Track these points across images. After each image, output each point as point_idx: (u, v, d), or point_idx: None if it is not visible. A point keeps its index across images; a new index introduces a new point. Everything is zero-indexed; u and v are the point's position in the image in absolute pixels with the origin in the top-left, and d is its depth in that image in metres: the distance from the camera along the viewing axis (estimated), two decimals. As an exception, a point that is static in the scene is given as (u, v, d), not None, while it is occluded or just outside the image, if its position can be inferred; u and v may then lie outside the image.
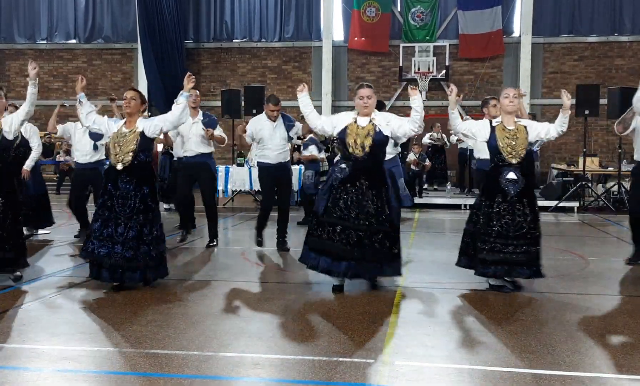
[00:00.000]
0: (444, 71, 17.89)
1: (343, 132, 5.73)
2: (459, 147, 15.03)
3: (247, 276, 6.48)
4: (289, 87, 18.69)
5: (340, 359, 3.93)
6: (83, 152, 8.24)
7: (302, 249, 5.84)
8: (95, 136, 7.90)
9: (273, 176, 7.76)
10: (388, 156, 7.84)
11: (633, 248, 7.21)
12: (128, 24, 19.22)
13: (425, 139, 15.65)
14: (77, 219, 8.58)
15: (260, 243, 7.89)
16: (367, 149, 5.61)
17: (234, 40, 19.16)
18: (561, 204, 12.99)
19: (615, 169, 13.95)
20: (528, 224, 5.56)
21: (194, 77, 5.90)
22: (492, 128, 5.73)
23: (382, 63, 18.65)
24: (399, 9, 18.48)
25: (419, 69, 17.84)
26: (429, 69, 17.82)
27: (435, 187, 15.88)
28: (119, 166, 5.65)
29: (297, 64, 18.96)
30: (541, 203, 13.26)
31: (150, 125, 5.81)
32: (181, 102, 5.81)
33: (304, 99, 5.98)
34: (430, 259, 7.49)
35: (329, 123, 5.93)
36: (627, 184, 13.35)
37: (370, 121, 5.71)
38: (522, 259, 5.54)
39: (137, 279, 5.64)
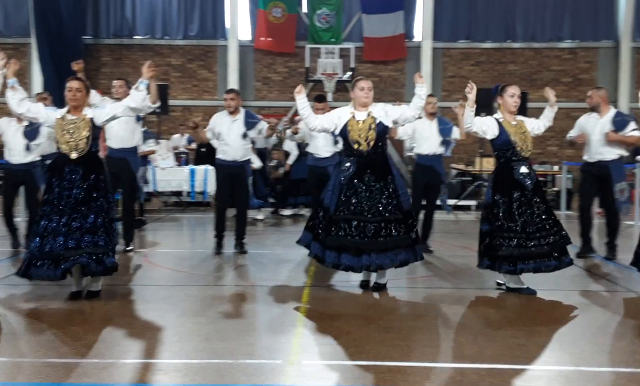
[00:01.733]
0: (349, 73, 18.16)
1: (345, 130, 5.72)
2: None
3: (148, 279, 6.30)
4: (194, 86, 18.37)
5: (247, 361, 3.89)
6: (15, 152, 7.56)
7: (312, 248, 5.76)
8: (30, 135, 7.41)
9: (229, 173, 7.57)
10: (327, 154, 7.91)
11: (581, 241, 7.60)
12: (21, 17, 18.20)
13: None
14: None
15: (218, 251, 7.65)
16: (371, 142, 5.64)
17: (135, 37, 18.57)
18: (460, 203, 13.53)
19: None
20: (546, 215, 5.63)
21: (154, 65, 5.72)
22: (500, 124, 5.78)
23: (289, 64, 18.69)
24: (304, 11, 18.59)
25: (325, 70, 18.02)
26: (334, 70, 18.03)
27: None
28: (74, 155, 5.37)
29: (203, 63, 18.66)
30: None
31: (101, 113, 5.57)
32: (141, 89, 5.56)
33: (302, 101, 5.83)
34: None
35: (328, 121, 5.85)
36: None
37: (369, 114, 5.70)
38: (548, 250, 5.59)
39: (85, 262, 5.19)
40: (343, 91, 18.41)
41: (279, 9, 18.16)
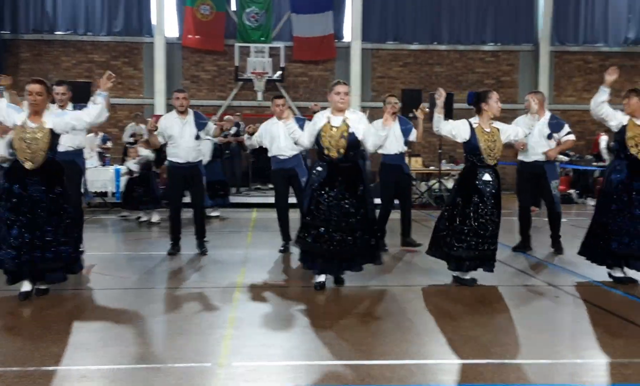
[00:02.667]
0: (279, 72, 18.11)
1: (318, 135, 5.71)
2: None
3: (70, 283, 6.05)
4: (119, 84, 17.83)
5: (176, 365, 3.80)
6: None
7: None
8: None
9: (182, 176, 7.41)
10: (291, 152, 7.77)
11: (520, 238, 7.91)
12: None
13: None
14: None
15: (173, 252, 7.50)
16: (341, 150, 5.63)
17: (56, 33, 17.86)
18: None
19: (436, 168, 15.03)
20: (495, 223, 5.86)
21: (114, 76, 5.55)
22: (472, 129, 5.90)
23: (218, 62, 18.46)
24: (233, 9, 18.41)
25: (255, 69, 17.89)
26: (264, 69, 17.93)
27: (270, 186, 16.01)
28: (28, 165, 5.19)
29: (128, 60, 18.18)
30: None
31: (61, 122, 5.37)
32: (99, 102, 5.43)
33: (291, 126, 5.91)
34: (268, 258, 7.52)
35: (310, 133, 5.85)
36: (446, 183, 14.46)
37: (344, 120, 5.67)
38: (490, 255, 5.88)
39: (60, 278, 5.38)
40: (273, 90, 18.34)
41: (207, 6, 17.90)
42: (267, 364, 3.87)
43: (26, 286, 5.31)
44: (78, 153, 7.21)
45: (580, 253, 6.40)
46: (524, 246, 7.89)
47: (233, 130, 13.47)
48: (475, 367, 3.81)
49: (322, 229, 5.58)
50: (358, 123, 5.72)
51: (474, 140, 5.88)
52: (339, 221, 5.57)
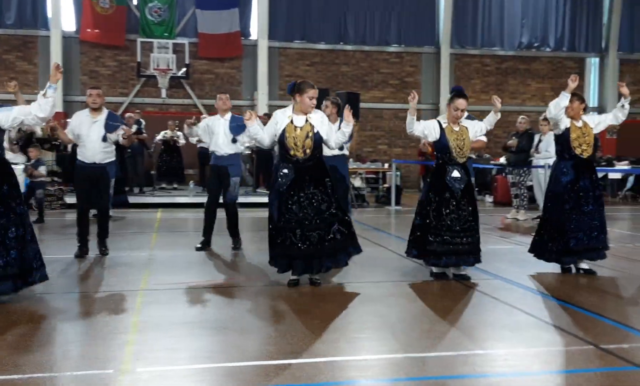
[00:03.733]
0: (184, 69, 17.75)
1: (282, 135, 5.68)
2: (198, 146, 15.09)
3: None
4: (12, 78, 16.83)
5: (75, 373, 3.62)
6: None
7: (268, 256, 5.82)
8: None
9: (87, 176, 7.13)
10: (229, 151, 7.64)
11: None
12: None
13: (159, 137, 15.45)
14: None
15: (81, 254, 7.21)
16: (307, 150, 5.65)
17: (-59, 23, 16.72)
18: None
19: (343, 167, 15.17)
20: (470, 217, 6.05)
21: (61, 67, 5.27)
22: (442, 129, 6.07)
23: (119, 57, 17.85)
24: (135, 3, 17.85)
25: (158, 65, 17.44)
26: (168, 66, 17.51)
27: (175, 186, 15.69)
28: None
29: (22, 54, 17.25)
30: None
31: (7, 118, 5.02)
32: (50, 95, 5.11)
33: (254, 128, 5.83)
34: (173, 259, 7.34)
35: (269, 133, 5.81)
36: (354, 181, 14.67)
37: (307, 120, 5.68)
38: (467, 249, 6.06)
39: (10, 288, 5.03)
40: (177, 87, 17.97)
41: (107, -1, 17.28)
42: (172, 368, 3.75)
43: None
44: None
45: (531, 251, 6.69)
46: None
47: (134, 128, 13.06)
48: (381, 362, 3.86)
49: (298, 230, 5.60)
50: (321, 123, 5.78)
51: (443, 139, 6.08)
52: (313, 219, 5.61)
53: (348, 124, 5.83)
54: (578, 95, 6.47)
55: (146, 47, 17.55)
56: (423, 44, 19.60)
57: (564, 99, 6.29)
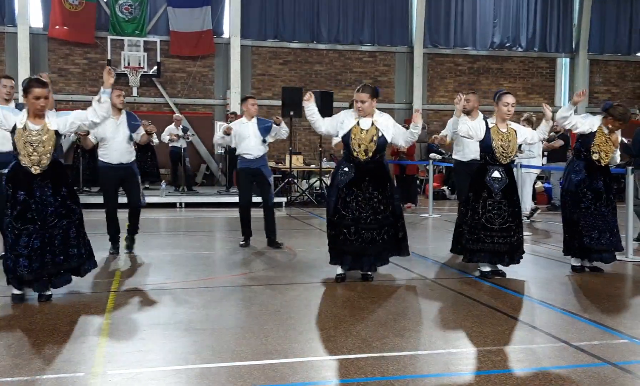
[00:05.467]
0: (155, 67, 17.56)
1: (347, 136, 5.85)
2: (170, 146, 14.99)
3: None
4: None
5: (45, 376, 3.54)
6: None
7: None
8: None
9: (115, 177, 7.23)
10: (259, 153, 7.84)
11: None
12: None
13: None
14: None
15: (115, 251, 7.44)
16: (370, 153, 5.81)
17: None
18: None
19: (317, 166, 15.21)
20: (510, 218, 6.11)
21: (113, 72, 5.30)
22: (488, 129, 6.14)
23: (89, 55, 17.58)
24: (105, 0, 17.61)
25: (129, 63, 17.22)
26: (139, 64, 17.31)
27: (147, 185, 15.51)
28: (36, 170, 4.92)
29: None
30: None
31: (65, 123, 5.08)
32: (104, 100, 5.15)
33: (310, 108, 5.97)
34: (146, 260, 7.25)
35: (332, 126, 6.00)
36: (327, 180, 14.67)
37: (373, 123, 5.82)
38: (504, 249, 6.12)
39: (68, 280, 5.32)
40: (149, 85, 17.78)
41: (76, -5, 17.00)
42: (145, 370, 3.70)
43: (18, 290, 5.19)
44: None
45: (566, 253, 6.69)
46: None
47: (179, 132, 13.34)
48: (356, 361, 3.86)
49: (353, 228, 5.75)
50: (386, 126, 5.89)
51: (487, 139, 6.15)
52: (368, 219, 5.77)
53: (417, 125, 5.94)
54: (613, 114, 6.39)
55: (117, 44, 17.32)
56: (396, 43, 19.68)
57: (566, 110, 6.40)
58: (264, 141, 7.88)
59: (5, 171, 5.30)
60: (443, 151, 16.55)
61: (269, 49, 18.85)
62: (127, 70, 17.15)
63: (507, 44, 20.40)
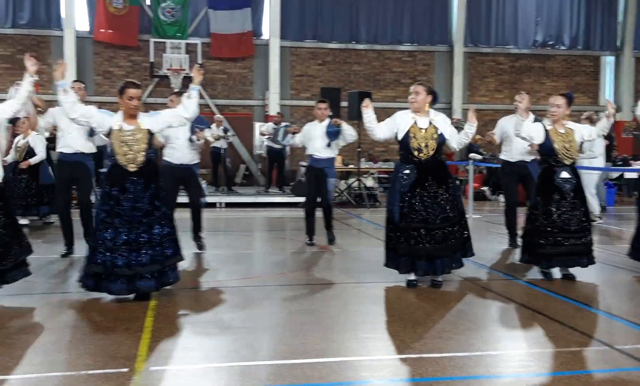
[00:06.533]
0: (196, 69, 17.81)
1: (406, 136, 5.74)
2: (211, 146, 15.16)
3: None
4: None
5: (90, 372, 3.64)
6: None
7: (385, 256, 5.84)
8: None
9: (175, 177, 7.38)
10: (326, 155, 8.05)
11: (508, 235, 8.05)
12: None
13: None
14: None
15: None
16: (430, 152, 5.71)
17: (-43, 24, 16.87)
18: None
19: (356, 166, 15.20)
20: (583, 217, 6.03)
21: (202, 69, 5.47)
22: (546, 131, 6.08)
23: (132, 58, 17.94)
24: (148, 3, 17.93)
25: (171, 65, 17.51)
26: (181, 66, 17.58)
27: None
28: (132, 168, 5.18)
29: (35, 55, 17.10)
30: (292, 199, 13.96)
31: (158, 121, 5.31)
32: (194, 96, 5.35)
33: (369, 114, 5.90)
34: (187, 259, 7.34)
35: (389, 129, 5.88)
36: (365, 181, 14.66)
37: (430, 122, 5.76)
38: (582, 249, 6.03)
39: (152, 287, 5.23)
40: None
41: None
42: (187, 367, 3.77)
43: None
44: (89, 156, 7.16)
45: (632, 256, 6.64)
46: (513, 243, 7.96)
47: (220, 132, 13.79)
48: (395, 362, 3.85)
49: (423, 230, 5.63)
50: (444, 124, 5.85)
51: (548, 142, 6.08)
52: (437, 218, 5.65)
53: (472, 125, 5.93)
54: None
55: (159, 47, 17.63)
56: (436, 42, 19.53)
57: None
58: (329, 145, 8.01)
59: (104, 169, 5.52)
60: (483, 152, 16.34)
61: (308, 50, 18.92)
62: (169, 72, 17.43)
63: (550, 42, 20.04)
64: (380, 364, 3.85)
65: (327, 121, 8.11)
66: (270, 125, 15.44)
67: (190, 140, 7.41)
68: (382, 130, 5.96)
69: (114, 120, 5.30)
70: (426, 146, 5.73)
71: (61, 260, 7.13)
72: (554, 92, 6.29)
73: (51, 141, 11.29)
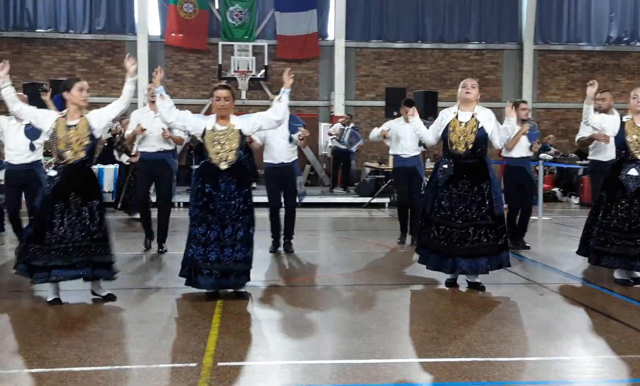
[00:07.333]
0: (263, 71, 18.06)
1: (445, 130, 5.69)
2: (333, 146, 15.40)
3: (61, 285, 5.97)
4: (102, 82, 17.71)
5: (161, 365, 3.76)
6: (17, 152, 6.96)
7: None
8: (32, 134, 6.80)
9: (276, 176, 7.49)
10: (414, 153, 8.11)
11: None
12: None
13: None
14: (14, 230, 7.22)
15: (274, 250, 7.66)
16: (469, 146, 5.61)
17: (37, 30, 17.67)
18: (374, 201, 13.72)
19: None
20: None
21: (292, 73, 5.66)
22: (622, 123, 5.89)
23: (201, 61, 18.36)
24: (216, 7, 18.32)
25: (238, 67, 17.82)
26: (248, 68, 17.87)
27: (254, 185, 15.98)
28: (223, 166, 5.29)
29: (110, 59, 18.01)
30: (356, 199, 13.97)
31: (248, 123, 5.50)
32: (284, 99, 5.52)
33: (416, 122, 5.96)
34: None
35: (436, 130, 5.83)
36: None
37: (473, 116, 5.66)
38: (634, 253, 5.69)
39: (242, 283, 5.39)
40: (256, 88, 18.29)
41: (190, 4, 17.79)
42: (252, 364, 3.84)
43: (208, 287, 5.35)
44: (169, 153, 7.39)
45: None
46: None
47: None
48: (460, 365, 3.81)
49: (442, 226, 5.61)
50: (487, 120, 5.74)
51: (620, 135, 5.90)
52: (458, 219, 5.57)
53: (509, 119, 5.82)
54: None
55: (227, 50, 17.97)
56: (504, 40, 19.09)
57: None
58: (421, 143, 7.95)
59: (196, 167, 5.79)
60: (554, 150, 15.90)
61: (373, 50, 18.86)
62: (236, 74, 17.75)
63: (625, 39, 19.25)
64: (445, 367, 3.80)
65: (416, 121, 7.98)
66: (338, 125, 15.50)
67: (290, 139, 7.45)
68: (431, 134, 5.91)
69: (208, 122, 5.46)
70: (465, 141, 5.61)
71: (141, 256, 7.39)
72: (629, 90, 6.02)
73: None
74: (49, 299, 5.18)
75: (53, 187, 5.12)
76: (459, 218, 5.57)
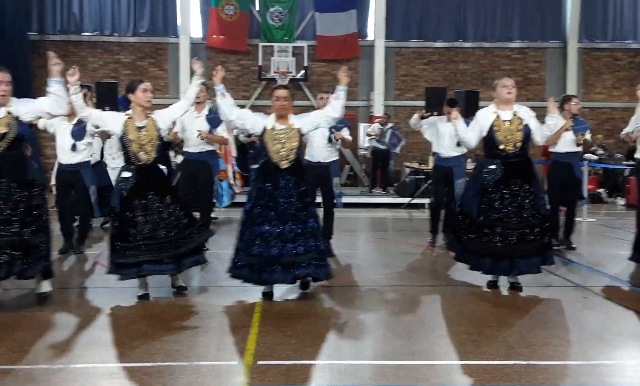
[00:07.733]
0: (302, 71, 18.13)
1: (491, 131, 5.64)
2: (372, 146, 15.42)
3: (99, 281, 6.13)
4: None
5: (202, 363, 3.82)
6: (64, 152, 7.22)
7: (454, 251, 5.82)
8: (77, 135, 7.08)
9: (314, 175, 7.31)
10: (454, 153, 7.91)
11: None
12: (-39, 11, 17.55)
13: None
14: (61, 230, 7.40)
15: None
16: (518, 144, 5.58)
17: (83, 34, 18.10)
18: (414, 201, 13.64)
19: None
20: None
21: (348, 72, 5.67)
22: None
23: (242, 62, 18.53)
24: (257, 8, 18.47)
25: (278, 68, 17.93)
26: (288, 69, 17.96)
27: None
28: (284, 164, 5.38)
29: (153, 61, 18.33)
30: (396, 200, 13.90)
31: (307, 122, 5.58)
32: (341, 97, 5.53)
33: (459, 126, 5.86)
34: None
35: (478, 133, 5.75)
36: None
37: (515, 114, 5.64)
38: None
39: (312, 272, 5.36)
40: (296, 89, 18.36)
41: (231, 6, 17.98)
42: (291, 363, 3.87)
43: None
44: (212, 153, 7.45)
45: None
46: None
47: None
48: (502, 368, 3.76)
49: (499, 228, 5.51)
50: (529, 117, 5.71)
51: None
52: (517, 219, 5.50)
53: (552, 116, 5.74)
54: None
55: (267, 51, 18.10)
56: (548, 38, 18.74)
57: None
58: (458, 144, 7.70)
59: (256, 166, 5.86)
60: (603, 149, 15.56)
61: (413, 50, 18.74)
62: (276, 75, 17.86)
63: (674, 35, 18.70)
64: (486, 369, 3.77)
65: (461, 125, 7.92)
66: (376, 125, 15.47)
67: (329, 140, 7.46)
68: (471, 137, 5.80)
69: (268, 121, 5.51)
70: (512, 138, 5.54)
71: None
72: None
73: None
74: (139, 294, 5.34)
75: (130, 188, 5.26)
76: (515, 218, 5.48)
